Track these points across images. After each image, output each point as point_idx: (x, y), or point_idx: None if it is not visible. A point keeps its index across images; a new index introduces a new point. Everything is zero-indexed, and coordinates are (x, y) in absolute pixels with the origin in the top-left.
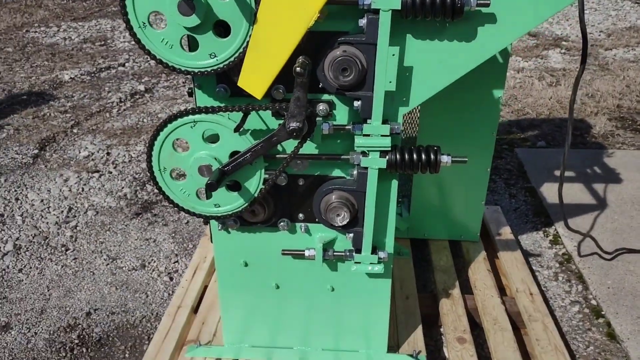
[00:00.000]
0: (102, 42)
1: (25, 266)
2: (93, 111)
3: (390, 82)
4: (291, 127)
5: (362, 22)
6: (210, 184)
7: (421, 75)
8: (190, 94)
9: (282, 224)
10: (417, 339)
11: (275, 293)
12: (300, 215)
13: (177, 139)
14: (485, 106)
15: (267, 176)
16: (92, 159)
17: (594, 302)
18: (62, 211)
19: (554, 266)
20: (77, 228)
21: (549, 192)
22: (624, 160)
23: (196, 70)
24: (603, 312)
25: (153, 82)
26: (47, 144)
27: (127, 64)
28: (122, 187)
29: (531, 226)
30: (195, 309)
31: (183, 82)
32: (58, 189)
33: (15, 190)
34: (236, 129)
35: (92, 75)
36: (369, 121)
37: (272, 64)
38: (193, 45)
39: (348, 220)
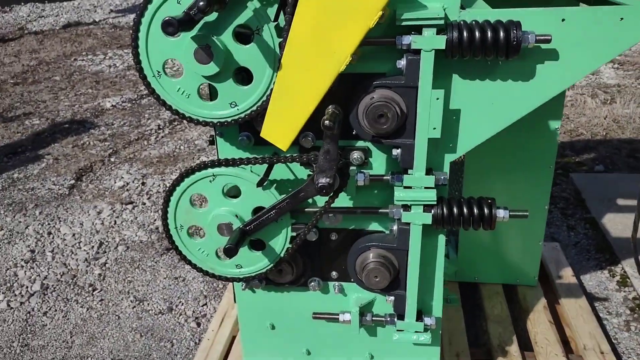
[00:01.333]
0: None
1: (50, 309)
2: (131, 139)
3: (434, 128)
4: (320, 184)
5: (401, 63)
6: (229, 248)
7: (471, 120)
8: (212, 142)
9: (312, 284)
10: None
11: None
12: (334, 273)
13: (195, 194)
14: (541, 138)
15: (294, 233)
16: (127, 189)
17: None
18: (93, 246)
19: (624, 313)
20: (106, 265)
21: (612, 223)
22: None
23: (215, 121)
24: None
25: None
26: (84, 174)
27: None
28: (154, 220)
29: (594, 264)
30: None
31: None
32: (91, 222)
33: (49, 224)
34: (259, 184)
35: (134, 102)
36: (410, 171)
37: (298, 113)
38: (214, 93)
39: (387, 283)
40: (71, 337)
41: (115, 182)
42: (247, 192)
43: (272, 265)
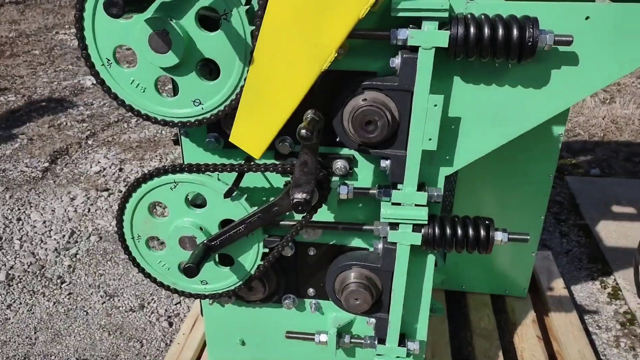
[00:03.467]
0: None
1: (15, 301)
2: (111, 121)
3: (430, 139)
4: (296, 200)
5: (395, 61)
6: (189, 268)
7: (471, 130)
8: (176, 142)
9: (287, 301)
10: None
11: None
12: (310, 290)
13: (154, 202)
14: (543, 143)
15: (267, 249)
16: (104, 175)
17: None
18: (64, 235)
19: (614, 327)
20: (77, 256)
21: (606, 232)
22: None
23: (176, 121)
24: None
25: None
26: (59, 157)
27: None
28: None
29: (586, 274)
30: None
31: None
32: (63, 208)
33: (19, 209)
34: (227, 195)
35: None
36: (400, 186)
37: (274, 116)
38: (176, 88)
39: (368, 307)
40: (35, 333)
41: (91, 167)
42: (213, 202)
43: (241, 282)
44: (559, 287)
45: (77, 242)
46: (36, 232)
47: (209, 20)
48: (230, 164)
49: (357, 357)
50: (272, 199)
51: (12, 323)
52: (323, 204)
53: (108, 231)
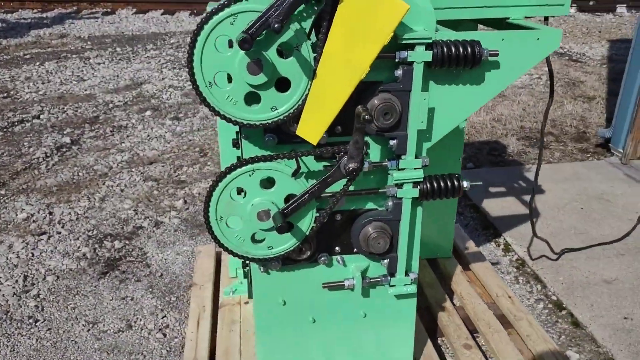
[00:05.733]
0: (5, 94)
1: None
2: (18, 169)
3: (422, 122)
4: (351, 168)
5: (398, 72)
6: (282, 227)
7: (441, 115)
8: (235, 144)
9: (322, 258)
10: (430, 351)
11: (312, 327)
12: (337, 248)
13: (236, 188)
14: (451, 135)
15: (317, 214)
16: (34, 220)
17: (554, 297)
18: (17, 280)
19: (513, 271)
20: (41, 296)
21: (490, 207)
22: (540, 174)
23: (258, 123)
24: (564, 305)
25: (77, 133)
26: None
27: (42, 116)
28: (79, 247)
29: (484, 238)
30: None
31: (111, 131)
32: (4, 256)
33: None
34: (294, 174)
35: (5, 130)
36: (403, 157)
37: (327, 114)
38: (248, 99)
39: (388, 246)
40: None
41: (17, 215)
42: (281, 181)
43: (299, 242)
44: (472, 246)
45: (34, 284)
46: None
47: (280, 50)
48: (299, 151)
49: (371, 296)
50: (326, 174)
51: None
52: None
53: (63, 270)
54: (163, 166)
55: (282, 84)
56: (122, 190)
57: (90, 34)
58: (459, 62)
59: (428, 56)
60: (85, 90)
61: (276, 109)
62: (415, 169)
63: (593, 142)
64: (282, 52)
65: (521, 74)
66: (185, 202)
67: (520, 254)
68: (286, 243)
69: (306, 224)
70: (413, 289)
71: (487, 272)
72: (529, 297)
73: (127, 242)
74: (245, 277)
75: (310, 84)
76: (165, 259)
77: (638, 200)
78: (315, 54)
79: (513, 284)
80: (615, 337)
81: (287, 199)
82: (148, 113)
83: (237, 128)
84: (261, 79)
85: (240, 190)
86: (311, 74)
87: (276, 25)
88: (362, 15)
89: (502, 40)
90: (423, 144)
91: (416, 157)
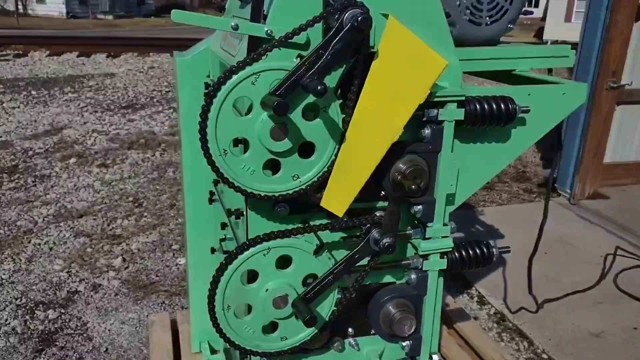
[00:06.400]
0: None
1: None
2: None
3: (451, 185)
4: (387, 244)
5: (426, 132)
6: (310, 320)
7: (466, 176)
8: (238, 216)
9: (336, 344)
10: None
11: None
12: (350, 329)
13: (247, 271)
14: None
15: (339, 295)
16: None
17: (545, 355)
18: None
19: (494, 327)
20: None
21: None
22: (495, 217)
23: (277, 195)
24: None
25: None
26: None
27: None
28: (6, 320)
29: (455, 290)
30: None
31: (32, 181)
32: None
33: None
34: (316, 251)
35: None
36: (429, 224)
37: (355, 181)
38: (266, 167)
39: (414, 329)
40: None
41: None
42: (299, 261)
43: (317, 331)
44: (452, 302)
45: None
46: None
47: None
48: (323, 224)
49: None
50: (352, 250)
51: None
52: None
53: None
54: (95, 219)
55: (304, 150)
56: (50, 249)
57: (1, 77)
58: (492, 120)
59: (460, 114)
60: (0, 136)
61: (298, 178)
62: (443, 237)
63: (535, 182)
64: (303, 114)
65: (548, 129)
66: (124, 259)
67: (498, 307)
68: (302, 332)
69: (327, 307)
70: None
71: (477, 334)
72: (517, 355)
73: (63, 310)
74: (213, 353)
75: (338, 149)
76: (108, 330)
77: (598, 243)
78: (344, 115)
79: (497, 341)
80: None
81: (305, 279)
82: (72, 160)
83: (209, 180)
84: (285, 145)
85: (251, 273)
86: (338, 138)
87: (319, 87)
88: (400, 70)
89: (528, 95)
90: (446, 208)
91: (444, 224)
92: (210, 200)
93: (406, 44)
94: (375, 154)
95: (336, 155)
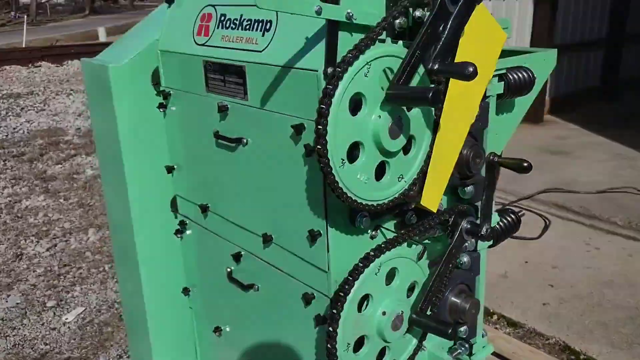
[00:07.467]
0: None
1: None
2: None
3: None
4: (489, 229)
5: None
6: (452, 333)
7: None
8: (180, 232)
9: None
10: None
11: None
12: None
13: (364, 296)
14: None
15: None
16: None
17: None
18: None
19: None
20: None
21: None
22: None
23: (387, 201)
24: None
25: None
26: None
27: None
28: None
29: None
30: None
31: None
32: None
33: None
34: (420, 256)
35: None
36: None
37: (446, 172)
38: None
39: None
40: None
41: None
42: (404, 271)
43: (419, 343)
44: None
45: None
46: None
47: None
48: (414, 225)
49: None
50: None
51: None
52: None
53: None
54: None
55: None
56: None
57: None
58: (522, 90)
59: (500, 88)
60: None
61: (403, 178)
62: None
63: None
64: None
65: (536, 93)
66: None
67: None
68: (407, 348)
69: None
70: (491, 348)
71: None
72: None
73: None
74: None
75: (433, 139)
76: None
77: None
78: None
79: None
80: None
81: (410, 289)
82: None
83: (169, 195)
84: (401, 142)
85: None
86: (432, 126)
87: (471, 69)
88: (477, 45)
89: (524, 64)
90: None
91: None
92: (180, 232)
93: (479, 15)
94: (459, 139)
95: (431, 147)
